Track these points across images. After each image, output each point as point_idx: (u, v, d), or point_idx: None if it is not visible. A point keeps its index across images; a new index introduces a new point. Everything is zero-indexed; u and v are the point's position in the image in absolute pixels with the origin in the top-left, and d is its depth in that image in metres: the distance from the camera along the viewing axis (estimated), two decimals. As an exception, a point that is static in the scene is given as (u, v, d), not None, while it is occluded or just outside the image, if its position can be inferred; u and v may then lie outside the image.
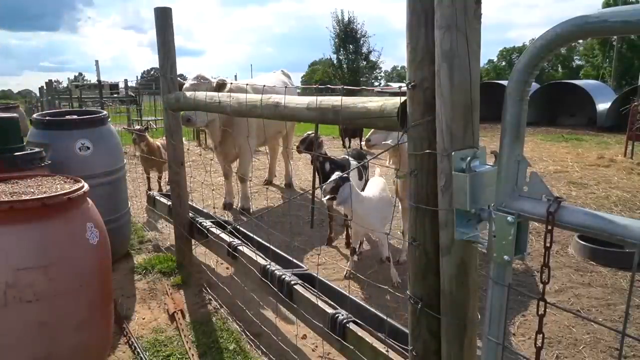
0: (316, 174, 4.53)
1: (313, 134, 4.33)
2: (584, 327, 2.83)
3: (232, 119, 4.89)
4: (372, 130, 3.50)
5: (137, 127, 6.61)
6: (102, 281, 2.02)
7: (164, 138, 3.77)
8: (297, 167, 8.31)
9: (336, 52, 36.94)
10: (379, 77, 47.89)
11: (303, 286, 2.24)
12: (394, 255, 3.92)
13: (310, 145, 4.21)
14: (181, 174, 3.42)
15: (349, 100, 1.60)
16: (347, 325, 1.87)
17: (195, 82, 4.61)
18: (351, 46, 36.57)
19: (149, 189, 6.21)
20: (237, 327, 2.79)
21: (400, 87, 1.37)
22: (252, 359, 2.49)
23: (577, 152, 10.01)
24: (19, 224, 1.73)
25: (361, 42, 36.61)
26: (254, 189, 6.60)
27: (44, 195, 1.81)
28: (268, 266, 2.47)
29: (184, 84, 4.50)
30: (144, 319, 2.93)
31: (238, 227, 3.18)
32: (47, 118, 3.60)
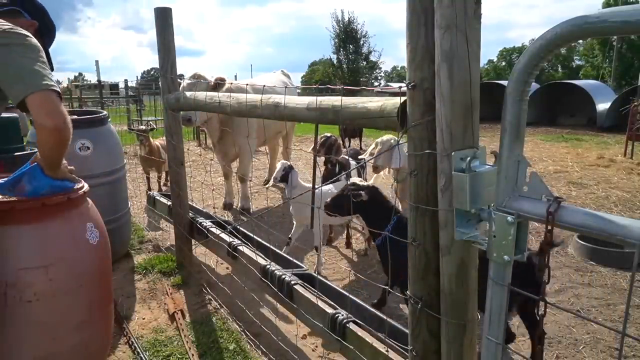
0: (316, 174, 4.51)
1: (332, 137, 4.20)
2: (584, 327, 2.83)
3: (231, 119, 4.88)
4: (376, 149, 3.46)
5: (142, 127, 6.63)
6: (102, 281, 2.01)
7: (164, 138, 3.77)
8: (297, 167, 8.30)
9: (336, 52, 36.93)
10: (379, 77, 47.87)
11: (303, 286, 2.24)
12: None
13: (330, 149, 4.12)
14: (181, 174, 3.42)
15: (349, 100, 1.60)
16: (347, 325, 1.87)
17: (193, 80, 4.61)
18: (351, 46, 36.56)
19: (149, 189, 6.22)
20: (237, 327, 2.79)
21: (400, 87, 1.37)
22: (252, 359, 2.49)
23: (577, 152, 10.01)
24: (19, 224, 1.73)
25: (361, 42, 36.61)
26: (254, 189, 6.60)
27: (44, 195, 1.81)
28: (268, 266, 2.48)
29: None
30: (144, 319, 2.93)
31: (238, 227, 3.18)
32: (47, 118, 3.60)
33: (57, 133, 1.57)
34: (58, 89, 1.59)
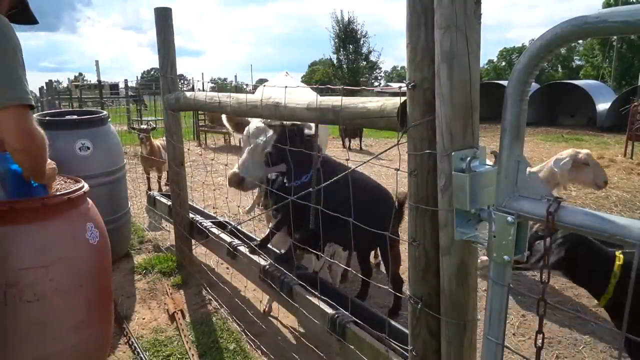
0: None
1: None
2: (584, 327, 2.83)
3: None
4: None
5: (143, 126, 6.63)
6: (102, 281, 2.01)
7: (164, 138, 3.76)
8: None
9: (336, 52, 36.99)
10: (379, 77, 47.88)
11: (303, 286, 2.24)
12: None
13: None
14: (181, 174, 3.42)
15: (349, 100, 1.60)
16: (347, 325, 1.87)
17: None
18: (351, 46, 36.61)
19: (149, 189, 6.21)
20: (237, 327, 2.78)
21: (400, 87, 1.37)
22: (252, 359, 2.49)
23: (577, 152, 9.99)
24: (19, 224, 1.73)
25: (361, 42, 36.65)
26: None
27: (44, 195, 1.81)
28: (268, 266, 2.47)
29: (183, 82, 4.41)
30: (144, 319, 2.93)
31: (238, 227, 3.19)
32: (47, 118, 3.60)
33: (27, 155, 1.54)
34: (32, 102, 1.49)
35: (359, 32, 36.37)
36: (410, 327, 1.40)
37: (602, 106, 14.61)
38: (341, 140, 11.59)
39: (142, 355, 2.46)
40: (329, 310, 1.99)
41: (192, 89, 8.07)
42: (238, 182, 2.85)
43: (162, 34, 3.18)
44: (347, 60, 36.94)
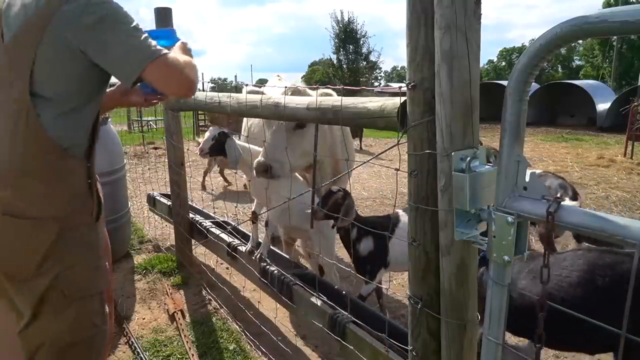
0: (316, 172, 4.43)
1: (340, 192, 2.45)
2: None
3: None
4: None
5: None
6: (102, 281, 2.01)
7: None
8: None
9: (336, 52, 36.96)
10: (379, 77, 47.91)
11: (302, 286, 2.24)
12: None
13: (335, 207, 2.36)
14: (181, 174, 3.42)
15: (349, 101, 1.60)
16: (347, 325, 1.87)
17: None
18: (351, 46, 36.59)
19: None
20: (237, 327, 2.79)
21: (400, 87, 1.37)
22: (252, 359, 2.49)
23: (577, 152, 10.02)
24: (19, 224, 1.72)
25: (361, 42, 36.63)
26: (254, 189, 6.59)
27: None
28: (268, 266, 2.48)
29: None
30: (144, 319, 2.93)
31: (238, 227, 3.19)
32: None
33: (191, 91, 1.42)
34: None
35: (358, 32, 36.35)
36: (410, 327, 1.40)
37: (602, 106, 14.63)
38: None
39: (142, 355, 2.46)
40: (329, 310, 1.99)
41: (192, 89, 8.05)
42: (265, 170, 2.49)
43: (162, 34, 3.17)
44: (347, 60, 36.90)
